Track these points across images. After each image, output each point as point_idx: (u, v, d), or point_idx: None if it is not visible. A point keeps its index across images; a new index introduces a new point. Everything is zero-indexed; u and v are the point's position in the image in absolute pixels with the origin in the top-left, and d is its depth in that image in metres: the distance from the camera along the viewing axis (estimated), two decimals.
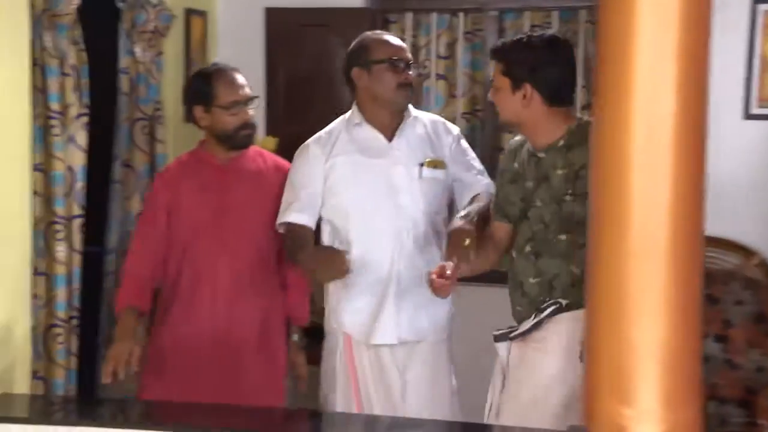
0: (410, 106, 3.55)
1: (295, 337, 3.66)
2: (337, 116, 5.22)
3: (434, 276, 3.17)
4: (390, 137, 3.50)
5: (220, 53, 5.37)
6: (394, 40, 3.53)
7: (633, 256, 2.49)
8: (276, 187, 3.53)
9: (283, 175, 3.55)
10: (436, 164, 3.54)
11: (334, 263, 3.33)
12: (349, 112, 3.56)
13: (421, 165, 3.50)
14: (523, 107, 3.17)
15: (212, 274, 3.44)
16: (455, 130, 3.64)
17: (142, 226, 3.55)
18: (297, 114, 5.34)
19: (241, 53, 5.34)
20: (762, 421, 4.26)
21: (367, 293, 3.43)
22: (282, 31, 5.33)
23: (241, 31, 5.38)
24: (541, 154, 3.22)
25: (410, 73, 3.47)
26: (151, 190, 3.58)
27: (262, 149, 3.71)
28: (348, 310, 3.45)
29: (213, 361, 3.44)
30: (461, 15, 5.34)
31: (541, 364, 3.17)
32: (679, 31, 2.45)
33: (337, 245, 3.44)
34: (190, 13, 4.95)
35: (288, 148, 4.99)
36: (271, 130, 5.30)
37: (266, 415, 3.21)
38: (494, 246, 3.41)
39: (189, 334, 3.43)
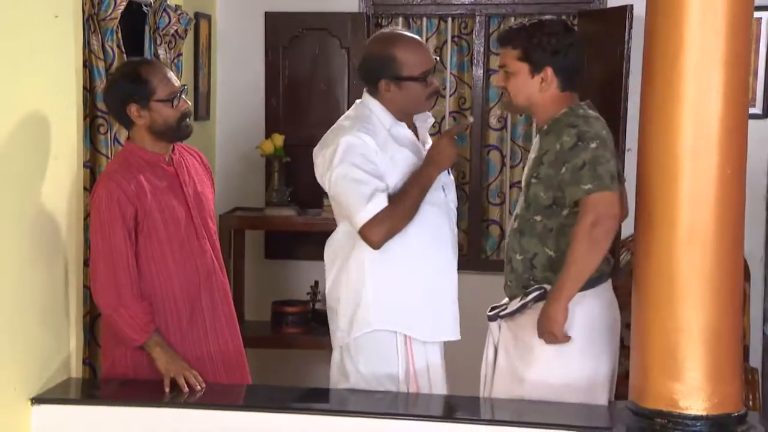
0: None
1: None
2: (334, 116, 5.29)
3: None
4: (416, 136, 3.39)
5: (220, 56, 5.40)
6: (420, 45, 3.32)
7: (681, 245, 2.65)
8: (206, 174, 3.45)
9: (205, 165, 3.46)
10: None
11: (449, 148, 3.22)
12: (362, 105, 3.32)
13: None
14: (540, 91, 3.18)
15: (205, 275, 3.29)
16: None
17: (119, 249, 3.13)
18: (295, 115, 5.40)
19: (242, 56, 5.41)
20: None
21: (432, 289, 3.30)
22: (281, 35, 5.37)
23: (242, 35, 5.41)
24: (538, 134, 3.29)
25: (436, 77, 3.32)
26: (107, 205, 3.12)
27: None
28: (411, 307, 3.27)
29: (231, 369, 3.37)
30: (449, 20, 5.47)
31: (532, 368, 3.19)
32: (725, 39, 2.61)
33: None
34: (198, 16, 4.97)
35: (287, 149, 5.10)
36: (269, 131, 5.34)
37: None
38: None
39: (201, 340, 3.29)
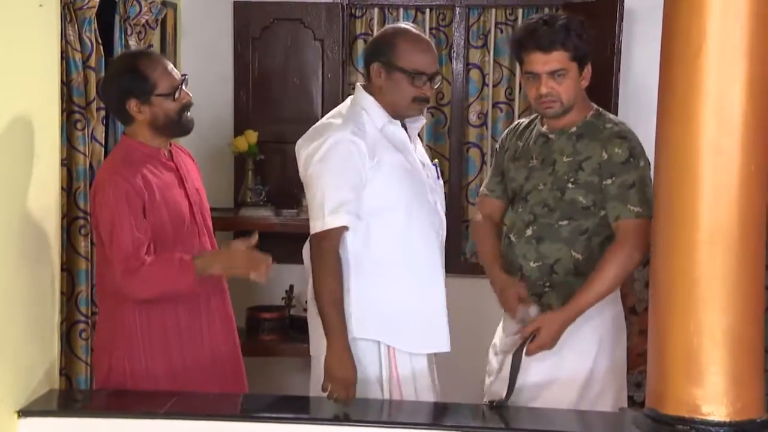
0: None
1: None
2: (307, 111, 5.31)
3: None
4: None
5: (185, 47, 5.38)
6: (426, 48, 3.30)
7: (703, 245, 2.69)
8: (197, 172, 3.47)
9: (194, 162, 3.47)
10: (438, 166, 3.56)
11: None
12: (355, 102, 3.33)
13: (435, 166, 3.49)
14: (582, 89, 3.28)
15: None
16: None
17: (138, 237, 3.11)
18: (266, 110, 5.40)
19: (209, 48, 5.40)
20: None
21: (420, 299, 3.31)
22: (251, 26, 5.38)
23: (208, 25, 5.40)
24: (552, 136, 3.31)
25: (431, 86, 3.30)
26: (115, 201, 3.12)
27: None
28: (397, 317, 3.28)
29: (225, 374, 3.39)
30: (427, 11, 5.50)
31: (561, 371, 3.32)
32: (748, 30, 2.66)
33: (362, 246, 3.24)
34: (164, 5, 4.95)
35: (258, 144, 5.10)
36: (238, 127, 5.34)
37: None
38: (498, 230, 3.52)
39: (197, 343, 3.30)
